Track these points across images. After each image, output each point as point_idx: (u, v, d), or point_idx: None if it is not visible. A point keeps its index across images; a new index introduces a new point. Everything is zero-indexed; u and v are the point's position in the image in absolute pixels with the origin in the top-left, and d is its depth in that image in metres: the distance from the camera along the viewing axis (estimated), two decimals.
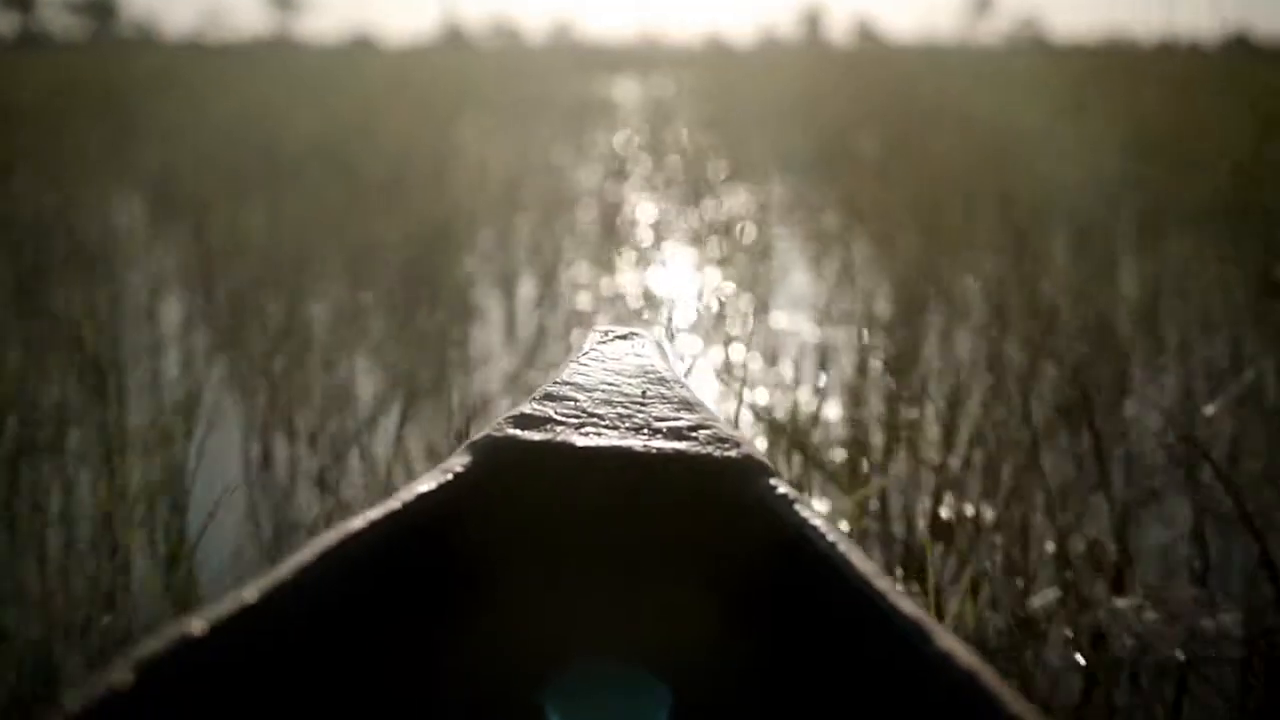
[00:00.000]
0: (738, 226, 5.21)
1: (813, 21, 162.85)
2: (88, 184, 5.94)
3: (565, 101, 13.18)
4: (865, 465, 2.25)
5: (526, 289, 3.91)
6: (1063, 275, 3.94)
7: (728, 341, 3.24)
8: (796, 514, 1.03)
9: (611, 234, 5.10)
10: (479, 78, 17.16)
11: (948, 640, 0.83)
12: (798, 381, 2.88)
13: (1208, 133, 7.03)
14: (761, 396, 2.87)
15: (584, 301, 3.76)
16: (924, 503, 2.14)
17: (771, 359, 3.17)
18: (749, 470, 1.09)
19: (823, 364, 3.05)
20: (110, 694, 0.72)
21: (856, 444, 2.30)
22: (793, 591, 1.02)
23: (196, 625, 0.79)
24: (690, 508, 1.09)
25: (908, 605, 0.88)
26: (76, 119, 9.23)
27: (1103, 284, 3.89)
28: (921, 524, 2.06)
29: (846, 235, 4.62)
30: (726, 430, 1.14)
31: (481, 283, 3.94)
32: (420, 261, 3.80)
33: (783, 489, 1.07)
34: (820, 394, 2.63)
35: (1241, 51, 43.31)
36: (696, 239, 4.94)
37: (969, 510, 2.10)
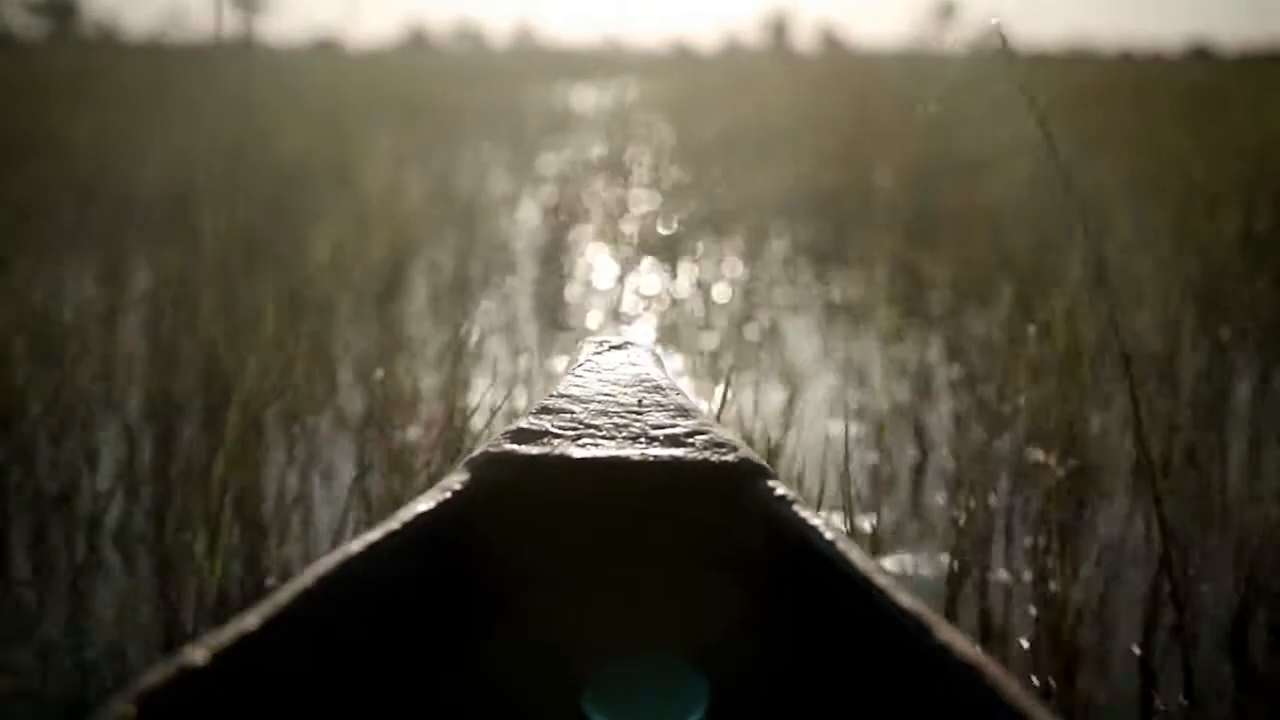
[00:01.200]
0: (730, 306, 3.79)
1: (778, 28, 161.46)
2: None
3: (519, 111, 11.73)
4: None
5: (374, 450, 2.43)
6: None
7: None
8: (796, 514, 1.03)
9: (550, 315, 3.67)
10: (429, 84, 15.66)
11: (948, 632, 0.84)
12: None
13: None
14: None
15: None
16: None
17: None
18: (747, 473, 1.09)
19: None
20: None
21: None
22: (795, 590, 1.01)
23: (198, 654, 0.79)
24: (690, 513, 1.08)
25: (908, 600, 0.88)
26: None
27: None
28: None
29: (892, 326, 3.20)
30: (723, 435, 1.14)
31: (313, 427, 2.49)
32: (217, 385, 2.35)
33: (781, 490, 1.06)
34: None
35: (1204, 61, 42.57)
36: (670, 328, 3.50)
37: None
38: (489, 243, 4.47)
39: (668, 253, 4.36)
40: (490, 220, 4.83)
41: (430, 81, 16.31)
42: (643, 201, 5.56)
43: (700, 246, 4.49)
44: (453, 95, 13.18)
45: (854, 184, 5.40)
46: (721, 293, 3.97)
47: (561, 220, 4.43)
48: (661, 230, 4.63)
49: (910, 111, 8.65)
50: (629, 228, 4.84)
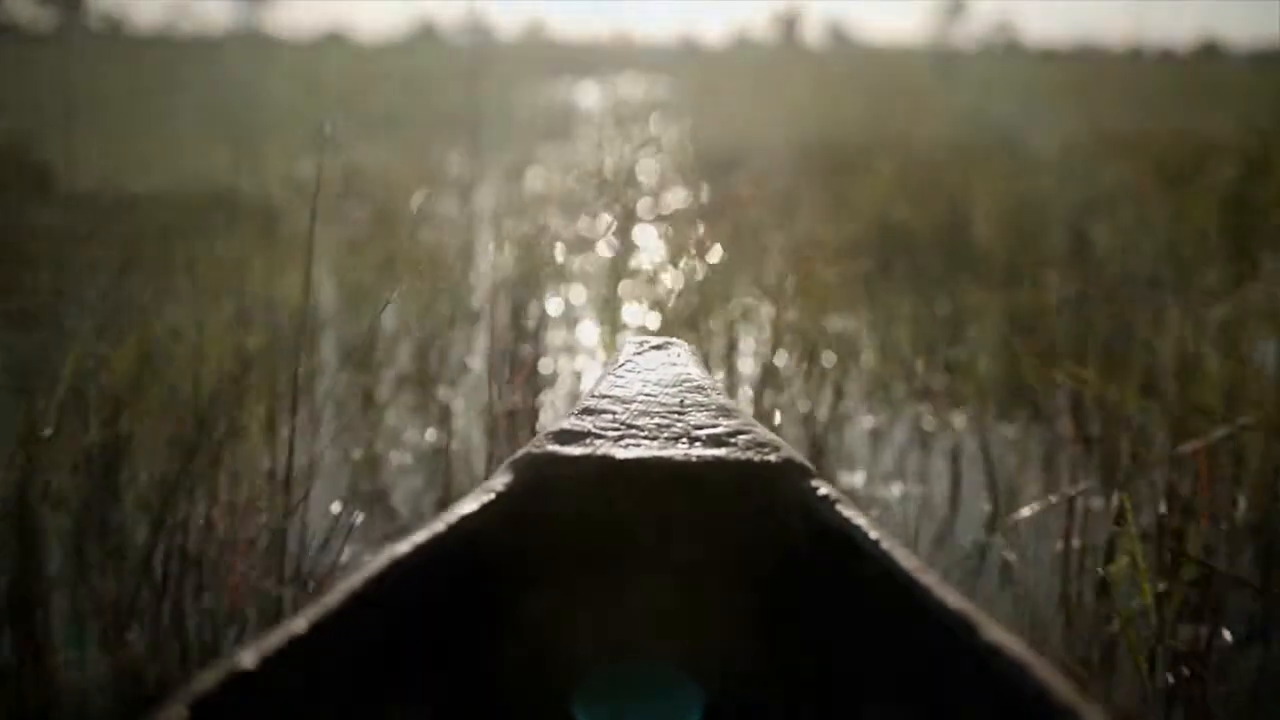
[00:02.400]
0: (784, 434, 2.47)
1: (788, 25, 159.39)
2: None
3: (516, 115, 10.46)
4: None
5: None
6: None
7: None
8: (839, 514, 1.02)
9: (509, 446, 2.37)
10: (425, 83, 14.39)
11: (997, 632, 0.82)
12: None
13: None
14: None
15: None
16: None
17: None
18: (790, 472, 1.07)
19: None
20: None
21: None
22: (838, 590, 1.00)
23: (248, 659, 0.78)
24: (733, 513, 1.07)
25: (955, 599, 0.87)
26: None
27: None
28: None
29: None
30: (765, 434, 1.12)
31: None
32: None
33: (824, 489, 1.05)
34: None
35: (1212, 59, 41.35)
36: None
37: None
38: (430, 318, 3.16)
39: (686, 335, 3.04)
40: (442, 278, 3.51)
41: (428, 79, 15.06)
42: (652, 248, 4.24)
43: (733, 324, 3.16)
44: (448, 96, 11.91)
45: (928, 227, 4.07)
46: (770, 405, 2.66)
47: (539, 279, 3.13)
48: (678, 293, 3.29)
49: (963, 123, 7.35)
50: (634, 290, 3.52)
